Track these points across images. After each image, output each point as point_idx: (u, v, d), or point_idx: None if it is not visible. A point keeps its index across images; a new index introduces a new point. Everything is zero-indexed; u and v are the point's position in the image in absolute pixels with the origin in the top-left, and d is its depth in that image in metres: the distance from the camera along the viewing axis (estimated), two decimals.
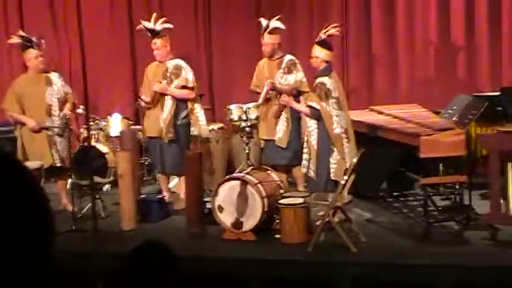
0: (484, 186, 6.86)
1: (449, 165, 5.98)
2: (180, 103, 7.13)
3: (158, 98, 7.11)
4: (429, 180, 6.00)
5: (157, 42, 7.04)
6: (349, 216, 6.10)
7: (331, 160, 6.23)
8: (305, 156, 6.38)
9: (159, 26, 7.05)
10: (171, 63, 7.13)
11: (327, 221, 5.80)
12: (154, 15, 7.20)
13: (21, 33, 7.02)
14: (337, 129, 6.23)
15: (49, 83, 6.90)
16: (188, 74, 7.14)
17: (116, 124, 8.04)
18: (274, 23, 7.07)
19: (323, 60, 6.33)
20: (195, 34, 9.08)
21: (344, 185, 5.85)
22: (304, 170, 6.46)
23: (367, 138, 6.62)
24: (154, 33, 7.03)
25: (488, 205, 5.84)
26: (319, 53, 6.33)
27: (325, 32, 6.49)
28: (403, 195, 7.35)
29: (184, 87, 7.11)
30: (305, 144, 6.41)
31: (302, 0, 8.77)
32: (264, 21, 7.15)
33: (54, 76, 6.93)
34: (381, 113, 7.12)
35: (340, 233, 5.73)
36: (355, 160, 5.80)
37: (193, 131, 7.26)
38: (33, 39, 6.91)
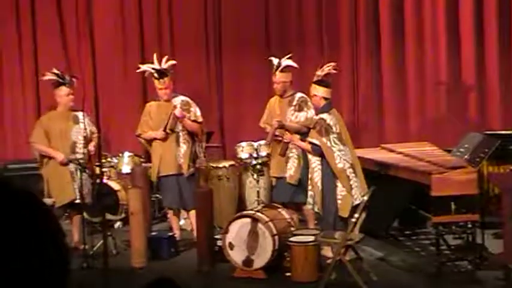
0: (496, 225, 6.81)
1: (461, 203, 5.94)
2: (193, 138, 7.21)
3: (169, 127, 7.12)
4: (441, 218, 5.96)
5: (165, 81, 7.11)
6: (360, 254, 6.06)
7: (337, 196, 6.24)
8: (310, 193, 6.41)
9: (165, 65, 7.13)
10: (177, 100, 7.20)
11: (338, 260, 5.76)
12: (155, 55, 7.27)
13: (55, 70, 7.12)
14: (340, 164, 6.24)
15: (76, 121, 6.97)
16: (196, 109, 7.23)
17: (127, 161, 8.08)
18: (286, 62, 7.14)
19: (322, 98, 6.41)
20: (206, 72, 9.16)
21: (355, 223, 5.83)
22: (309, 207, 6.47)
23: (378, 176, 6.61)
24: (162, 73, 7.10)
25: (501, 244, 5.78)
26: (318, 91, 6.41)
27: (322, 71, 6.63)
28: (415, 234, 7.31)
29: (195, 121, 7.19)
30: (309, 182, 6.43)
31: (312, 40, 8.86)
32: (275, 60, 7.22)
33: (81, 115, 6.99)
34: (391, 151, 7.12)
35: (351, 271, 5.68)
36: (365, 198, 5.79)
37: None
38: (66, 77, 7.02)
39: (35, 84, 9.37)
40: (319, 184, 6.30)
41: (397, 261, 6.48)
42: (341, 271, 5.80)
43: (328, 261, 6.03)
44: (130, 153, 8.27)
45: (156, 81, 7.15)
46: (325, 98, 6.41)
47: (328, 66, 6.77)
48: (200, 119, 7.23)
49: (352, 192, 6.21)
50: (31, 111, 9.41)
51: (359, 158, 7.09)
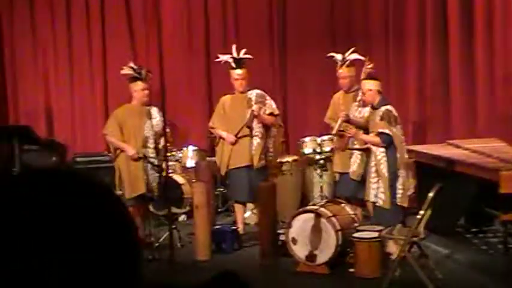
0: None
1: None
2: (267, 130, 7.24)
3: (246, 125, 7.17)
4: (510, 216, 5.83)
5: (242, 72, 7.18)
6: (425, 251, 5.98)
7: (398, 186, 6.23)
8: (373, 185, 6.37)
9: (242, 56, 7.20)
10: (253, 93, 7.25)
11: (403, 256, 5.70)
12: (234, 46, 7.33)
13: (132, 64, 7.23)
14: (405, 154, 6.35)
15: (149, 116, 7.06)
16: (272, 102, 7.28)
17: (191, 155, 8.18)
18: (353, 55, 7.10)
19: (377, 91, 6.39)
20: (271, 67, 9.19)
21: (420, 220, 5.75)
22: (372, 199, 6.42)
23: (444, 172, 6.50)
24: (239, 63, 7.17)
25: None
26: (372, 86, 6.41)
27: (366, 66, 6.65)
28: (482, 232, 7.16)
29: (271, 114, 7.23)
30: (373, 174, 6.39)
31: (378, 36, 8.76)
32: (337, 56, 7.18)
33: (154, 110, 7.10)
34: (458, 147, 6.99)
35: (416, 269, 5.61)
36: (431, 194, 5.71)
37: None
38: (143, 72, 7.13)
39: (102, 80, 9.60)
40: (386, 175, 6.28)
41: (463, 259, 6.36)
42: (405, 268, 5.73)
43: (392, 257, 5.97)
44: (195, 148, 8.37)
45: (232, 72, 7.22)
46: (379, 92, 6.41)
47: (369, 63, 6.74)
48: (276, 112, 7.30)
49: (409, 182, 6.33)
50: (99, 106, 9.64)
51: (425, 154, 7.02)
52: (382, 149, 6.33)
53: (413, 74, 8.59)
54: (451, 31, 8.45)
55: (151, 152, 6.97)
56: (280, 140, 7.60)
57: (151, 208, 7.22)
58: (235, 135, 7.19)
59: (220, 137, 7.35)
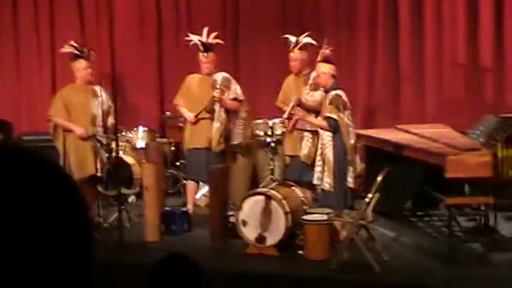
0: (509, 208, 6.80)
1: (475, 186, 5.93)
2: (230, 115, 7.22)
3: (205, 109, 7.15)
4: (454, 200, 5.96)
5: (209, 55, 7.15)
6: (372, 234, 6.08)
7: (350, 169, 6.34)
8: (318, 168, 6.47)
9: (212, 40, 7.17)
10: (219, 76, 7.22)
11: (351, 239, 5.78)
12: (206, 29, 7.29)
13: (73, 43, 7.11)
14: (351, 140, 6.45)
15: (95, 94, 6.97)
16: (237, 87, 7.26)
17: (141, 136, 8.11)
18: (306, 39, 7.13)
19: (331, 75, 6.44)
20: (223, 50, 9.13)
21: (368, 203, 5.84)
22: (317, 182, 6.50)
23: (392, 156, 6.61)
24: (207, 47, 7.14)
25: None
26: (326, 69, 6.46)
27: (326, 49, 6.60)
28: (428, 215, 7.31)
29: (235, 99, 7.21)
30: (318, 157, 6.47)
31: (329, 19, 8.80)
32: (292, 38, 7.21)
33: (98, 89, 7.00)
34: (406, 131, 7.10)
35: (363, 251, 5.71)
36: (379, 178, 5.80)
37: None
38: (84, 50, 7.02)
39: (50, 57, 9.42)
40: (331, 160, 6.36)
41: (410, 241, 6.49)
42: (353, 250, 5.82)
43: (341, 239, 6.06)
44: (145, 128, 8.30)
45: (200, 54, 7.22)
46: (333, 76, 6.46)
47: (328, 47, 6.72)
48: (241, 97, 7.26)
49: (356, 166, 6.52)
50: (47, 84, 9.47)
51: (374, 138, 7.12)
52: (329, 133, 6.40)
53: (364, 59, 8.67)
54: (401, 16, 8.55)
55: (100, 131, 6.90)
56: (250, 124, 7.57)
57: (100, 188, 7.15)
58: (196, 116, 7.18)
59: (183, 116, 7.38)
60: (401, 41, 8.56)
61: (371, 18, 8.66)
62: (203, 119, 7.21)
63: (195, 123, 7.24)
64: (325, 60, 6.54)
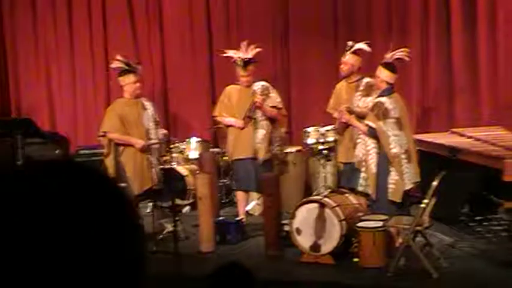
0: None
1: None
2: (272, 123, 7.26)
3: (247, 119, 7.18)
4: None
5: (250, 69, 7.17)
6: (429, 240, 5.98)
7: (389, 180, 6.18)
8: (363, 175, 6.37)
9: (250, 55, 7.18)
10: (258, 86, 7.26)
11: (407, 245, 5.70)
12: (244, 43, 7.28)
13: (120, 57, 7.15)
14: (394, 149, 6.20)
15: (143, 108, 7.02)
16: (277, 95, 7.28)
17: (194, 147, 8.17)
18: (360, 45, 7.06)
19: (384, 81, 6.33)
20: (273, 57, 9.16)
21: (424, 209, 5.75)
22: (361, 188, 6.42)
23: (448, 161, 6.49)
24: (248, 63, 7.16)
25: None
26: (382, 74, 6.34)
27: (392, 55, 6.48)
28: (486, 220, 7.15)
29: (274, 107, 7.23)
30: (363, 164, 6.38)
31: (380, 25, 8.73)
32: (351, 43, 7.14)
33: (146, 102, 7.07)
34: (462, 135, 6.98)
35: (420, 257, 5.61)
36: (435, 183, 5.70)
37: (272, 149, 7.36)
38: (132, 64, 7.07)
39: (105, 73, 9.58)
40: (373, 167, 6.28)
41: (468, 247, 6.36)
42: (410, 257, 5.73)
43: (397, 246, 5.98)
44: (198, 139, 8.36)
45: (240, 69, 7.21)
46: (388, 83, 6.33)
47: (401, 52, 6.59)
48: (280, 105, 7.29)
49: (403, 177, 6.19)
50: (101, 98, 9.63)
51: (429, 142, 7.00)
52: (374, 140, 6.30)
53: (417, 63, 8.55)
54: (453, 20, 8.41)
55: (156, 144, 6.95)
56: (283, 132, 7.60)
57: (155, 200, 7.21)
58: (243, 119, 7.20)
59: (227, 125, 7.36)
60: (454, 43, 8.42)
61: (423, 20, 8.56)
62: (245, 127, 7.19)
63: (243, 128, 7.19)
64: (385, 65, 6.43)
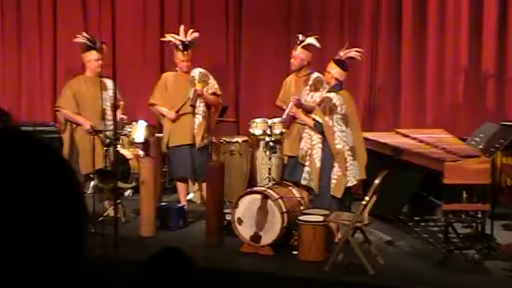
0: (506, 216, 6.79)
1: (472, 193, 5.91)
2: (209, 110, 7.23)
3: (183, 105, 7.13)
4: (451, 206, 5.95)
5: (189, 53, 7.12)
6: (368, 237, 6.07)
7: (332, 176, 6.25)
8: (306, 169, 6.43)
9: (189, 38, 7.13)
10: (195, 72, 7.23)
11: (346, 241, 5.77)
12: (182, 27, 7.26)
13: (86, 34, 7.07)
14: (339, 145, 6.26)
15: (104, 87, 6.91)
16: (215, 82, 7.26)
17: (140, 131, 8.08)
18: (310, 40, 7.09)
19: (334, 78, 6.38)
20: (225, 46, 9.13)
21: (365, 206, 5.82)
22: (304, 182, 6.47)
23: (391, 160, 6.59)
24: (187, 46, 7.10)
25: (510, 236, 5.77)
26: (333, 70, 6.39)
27: (346, 53, 6.54)
28: (424, 220, 7.30)
29: (213, 94, 7.21)
30: (307, 158, 6.44)
31: (333, 21, 8.78)
32: (301, 37, 7.17)
33: (108, 82, 6.96)
34: (406, 136, 7.09)
35: (358, 254, 5.69)
36: (377, 181, 5.78)
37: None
38: (97, 41, 6.97)
39: (52, 50, 9.39)
40: (317, 161, 6.34)
41: (405, 246, 6.48)
42: (348, 253, 5.81)
43: (336, 241, 6.05)
44: (146, 123, 8.27)
45: (179, 53, 7.16)
46: (337, 79, 6.39)
47: (356, 51, 6.65)
48: (219, 92, 7.27)
49: (347, 174, 6.25)
50: (47, 76, 9.44)
51: (373, 141, 7.09)
52: (319, 135, 6.36)
53: (366, 61, 8.63)
54: (404, 21, 8.53)
55: (109, 125, 6.86)
56: (215, 119, 7.60)
57: (96, 182, 7.12)
58: (176, 112, 7.16)
59: (161, 114, 7.32)
60: (403, 45, 8.54)
61: (374, 22, 8.65)
62: (183, 114, 7.16)
63: (174, 120, 7.19)
64: (337, 61, 6.47)
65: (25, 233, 0.90)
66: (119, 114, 7.06)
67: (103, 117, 6.87)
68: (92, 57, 6.90)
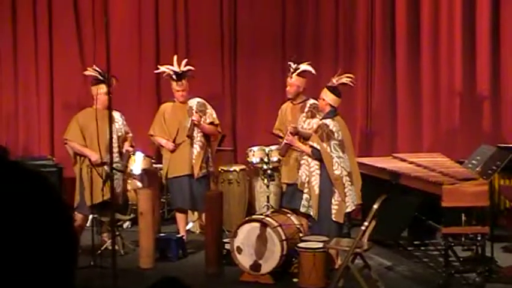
0: (506, 238, 6.78)
1: (471, 215, 5.91)
2: (208, 140, 7.24)
3: (177, 140, 7.16)
4: (451, 230, 5.94)
5: (183, 83, 7.15)
6: (368, 263, 6.04)
7: (333, 201, 6.26)
8: (305, 196, 6.43)
9: (184, 68, 7.17)
10: (193, 102, 7.25)
11: (346, 267, 5.75)
12: (176, 57, 7.30)
13: (96, 67, 7.13)
14: (337, 171, 6.28)
15: (112, 120, 6.93)
16: (212, 111, 7.28)
17: (138, 162, 8.08)
18: (305, 66, 7.13)
19: (328, 104, 6.43)
20: (221, 75, 9.17)
21: (364, 231, 5.81)
22: (303, 210, 6.46)
23: (389, 185, 6.59)
24: (180, 76, 7.14)
25: (510, 258, 5.75)
26: (327, 97, 6.44)
27: (338, 79, 6.60)
28: (424, 244, 7.28)
29: (211, 123, 7.22)
30: (306, 185, 6.44)
31: (328, 49, 8.84)
32: (293, 65, 7.21)
33: (116, 114, 7.00)
34: (403, 160, 7.10)
35: (358, 279, 5.67)
36: (375, 206, 5.77)
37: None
38: (106, 75, 7.00)
39: (48, 83, 9.41)
40: (316, 188, 6.34)
41: (405, 271, 6.46)
42: (349, 279, 5.78)
43: (336, 268, 6.02)
44: (143, 154, 8.28)
45: (173, 83, 7.19)
46: (332, 106, 6.43)
47: (347, 77, 6.71)
48: (217, 121, 7.29)
49: (346, 200, 6.27)
50: (44, 109, 9.45)
51: (370, 166, 7.10)
52: (317, 162, 6.38)
53: (361, 87, 8.69)
54: (398, 47, 8.60)
55: (115, 157, 6.87)
56: (215, 149, 7.61)
57: (94, 214, 7.10)
58: (174, 142, 7.18)
59: (160, 145, 7.34)
60: (398, 70, 8.60)
61: (368, 48, 8.71)
62: (181, 145, 7.16)
63: (173, 150, 7.20)
64: (330, 88, 6.51)
65: (10, 262, 0.90)
66: (126, 147, 7.11)
67: (110, 150, 6.87)
68: (101, 91, 6.93)
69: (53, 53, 9.40)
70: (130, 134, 7.31)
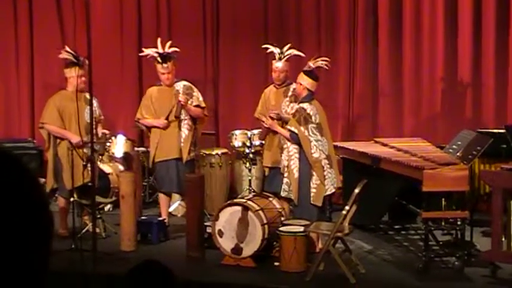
0: (485, 223, 6.84)
1: (451, 200, 5.96)
2: (194, 123, 7.22)
3: (169, 119, 7.11)
4: (431, 214, 5.98)
5: (168, 66, 7.09)
6: (349, 246, 6.09)
7: (311, 185, 6.28)
8: (285, 180, 6.45)
9: (168, 50, 7.11)
10: (179, 85, 7.20)
11: (327, 251, 5.78)
12: (159, 40, 7.24)
13: (69, 49, 7.05)
14: (315, 154, 6.31)
15: (87, 102, 6.89)
16: (199, 94, 7.25)
17: (120, 145, 8.06)
18: (293, 51, 7.11)
19: (306, 88, 6.43)
20: (203, 58, 9.15)
21: (345, 215, 5.84)
22: (284, 194, 6.48)
23: (370, 169, 6.63)
24: (165, 58, 7.08)
25: (489, 242, 5.81)
26: (304, 81, 6.44)
27: (314, 63, 6.60)
28: (404, 228, 7.34)
29: (197, 106, 7.19)
30: (285, 169, 6.45)
31: (310, 32, 8.83)
32: (275, 49, 7.18)
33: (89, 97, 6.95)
34: (385, 145, 7.13)
35: (339, 263, 5.71)
36: (356, 191, 5.80)
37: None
38: (80, 58, 6.95)
39: (29, 65, 9.34)
40: (295, 172, 6.36)
41: (386, 254, 6.51)
42: (329, 262, 5.82)
43: (317, 251, 6.06)
44: (125, 137, 8.25)
45: (158, 66, 7.13)
46: (309, 90, 6.44)
47: (322, 60, 6.73)
48: (203, 104, 7.26)
49: (325, 183, 6.31)
50: (25, 92, 9.38)
51: (352, 150, 7.13)
52: (296, 146, 6.39)
53: (343, 72, 8.70)
54: (380, 32, 8.61)
55: (95, 142, 6.82)
56: (201, 132, 7.58)
57: (75, 197, 7.07)
58: (166, 119, 7.13)
59: (150, 127, 7.25)
60: (380, 55, 8.61)
61: (350, 33, 8.71)
62: (168, 127, 7.12)
63: (165, 127, 7.12)
64: (307, 72, 6.52)
65: None
66: (100, 130, 7.08)
67: (87, 131, 6.83)
68: (75, 74, 6.87)
69: (33, 35, 9.33)
70: (102, 117, 7.28)
